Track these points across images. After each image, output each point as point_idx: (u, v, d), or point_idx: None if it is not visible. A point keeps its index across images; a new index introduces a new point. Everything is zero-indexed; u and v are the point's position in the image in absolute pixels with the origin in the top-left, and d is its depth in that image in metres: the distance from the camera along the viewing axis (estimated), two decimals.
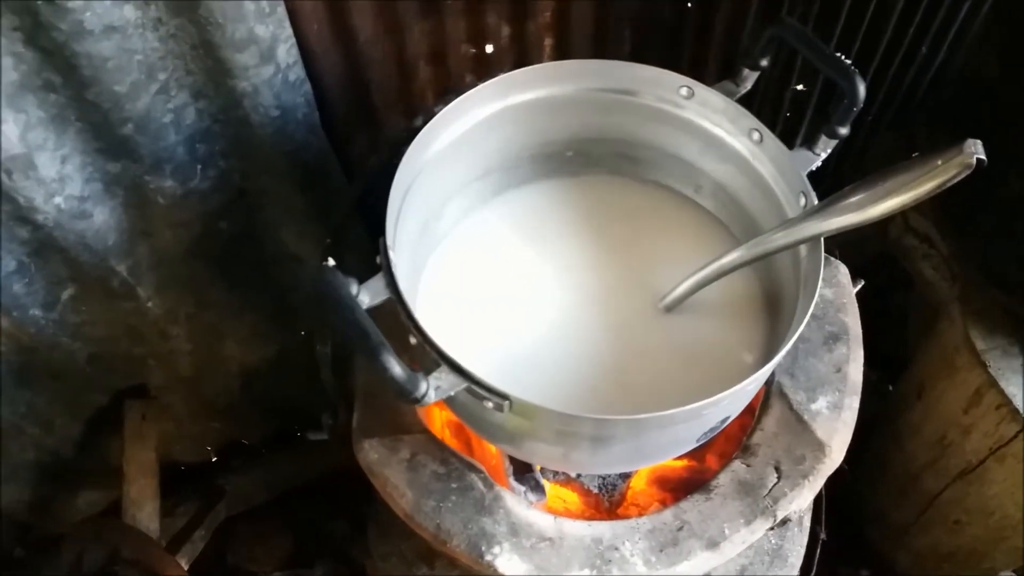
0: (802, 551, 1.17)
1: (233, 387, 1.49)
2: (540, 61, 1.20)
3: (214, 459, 1.67)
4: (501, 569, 0.78)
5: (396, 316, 0.72)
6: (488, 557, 0.79)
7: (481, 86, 0.85)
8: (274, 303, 1.36)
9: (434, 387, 0.67)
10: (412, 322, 0.71)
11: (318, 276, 0.66)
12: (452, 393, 0.68)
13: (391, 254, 0.74)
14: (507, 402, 0.68)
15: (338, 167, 1.17)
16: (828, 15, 1.27)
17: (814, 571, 1.21)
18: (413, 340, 0.72)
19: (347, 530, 1.67)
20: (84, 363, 1.27)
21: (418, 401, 0.65)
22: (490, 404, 0.69)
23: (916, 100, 1.47)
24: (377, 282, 0.73)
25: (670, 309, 0.88)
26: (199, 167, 1.07)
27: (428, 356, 0.70)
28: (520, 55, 1.18)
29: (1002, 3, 1.21)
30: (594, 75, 0.89)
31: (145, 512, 1.36)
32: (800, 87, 1.38)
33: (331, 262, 0.68)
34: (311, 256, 1.27)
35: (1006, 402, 1.15)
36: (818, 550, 1.21)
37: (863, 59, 1.34)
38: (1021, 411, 1.13)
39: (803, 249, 0.80)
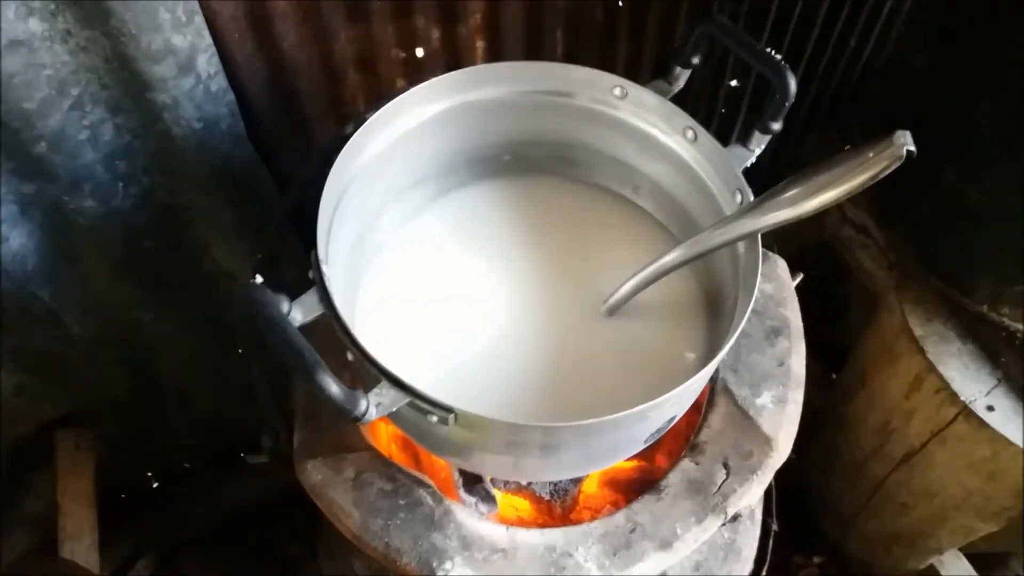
0: (755, 544, 1.17)
1: (170, 410, 1.44)
2: (473, 64, 1.18)
3: (155, 485, 1.62)
4: None
5: (333, 331, 0.70)
6: (440, 573, 0.76)
7: (412, 90, 0.83)
8: (209, 322, 1.31)
9: (375, 404, 0.65)
10: (349, 337, 0.68)
11: (247, 294, 0.63)
12: (394, 409, 0.66)
13: (324, 267, 0.71)
14: (452, 415, 0.66)
15: (268, 179, 1.13)
16: (758, 12, 1.28)
17: (767, 562, 1.22)
18: (351, 356, 0.69)
19: (298, 551, 1.62)
20: (10, 394, 1.22)
21: (359, 419, 0.63)
22: (434, 418, 0.67)
23: (848, 93, 1.49)
24: (311, 297, 0.70)
25: (612, 312, 0.86)
26: (120, 185, 1.03)
27: (368, 372, 0.68)
28: (452, 58, 1.16)
29: None
30: (527, 77, 0.87)
31: (83, 545, 1.31)
32: (734, 83, 1.39)
33: (259, 279, 0.65)
34: (244, 272, 1.23)
35: (944, 386, 1.16)
36: (771, 541, 1.22)
37: (794, 54, 1.35)
38: (959, 394, 1.15)
39: (741, 246, 0.80)
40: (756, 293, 0.72)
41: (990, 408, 1.13)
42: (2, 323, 1.10)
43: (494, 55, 1.19)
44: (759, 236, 0.75)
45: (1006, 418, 1.12)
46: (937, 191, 1.11)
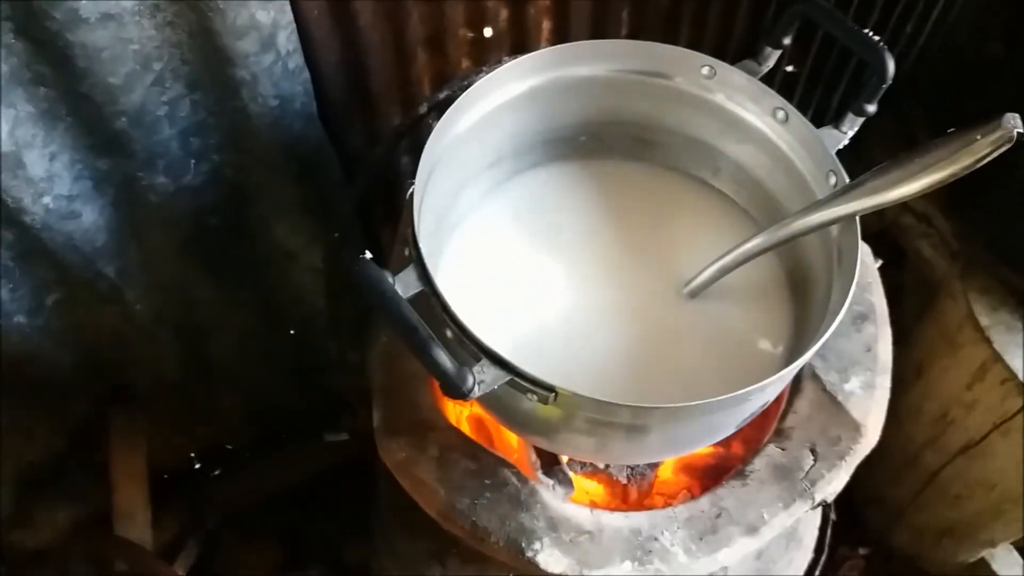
0: (816, 532, 1.17)
1: (219, 391, 1.45)
2: (538, 45, 1.18)
3: (197, 466, 1.62)
4: (543, 565, 0.76)
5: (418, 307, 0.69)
6: (529, 553, 0.76)
7: (504, 67, 0.82)
8: (262, 302, 1.31)
9: (477, 381, 0.64)
10: (449, 316, 0.68)
11: (359, 270, 0.63)
12: (495, 387, 0.66)
13: (422, 245, 0.71)
14: (552, 394, 0.66)
15: (335, 159, 1.13)
16: None
17: (825, 552, 1.21)
18: (450, 334, 0.69)
19: (338, 533, 1.63)
20: (68, 370, 1.22)
21: (465, 396, 0.63)
22: (534, 397, 0.67)
23: (904, 78, 1.48)
24: (409, 275, 0.69)
25: (694, 295, 0.86)
26: (192, 162, 1.03)
27: (467, 350, 0.67)
28: (518, 39, 1.16)
29: None
30: (616, 55, 0.86)
31: (136, 523, 1.31)
32: (789, 68, 1.38)
33: (368, 255, 0.65)
34: (303, 252, 1.23)
35: (1011, 376, 1.15)
36: (829, 531, 1.21)
37: None
38: None
39: (834, 229, 0.79)
40: (856, 279, 0.71)
41: None
42: (68, 300, 1.10)
43: (560, 37, 1.18)
44: (858, 221, 0.74)
45: None
46: (1011, 179, 1.10)
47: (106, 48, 0.83)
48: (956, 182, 1.20)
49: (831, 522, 1.21)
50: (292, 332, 1.40)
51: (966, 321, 1.20)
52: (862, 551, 1.62)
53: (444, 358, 0.60)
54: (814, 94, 1.37)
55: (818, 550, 1.19)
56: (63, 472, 1.38)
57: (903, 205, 1.32)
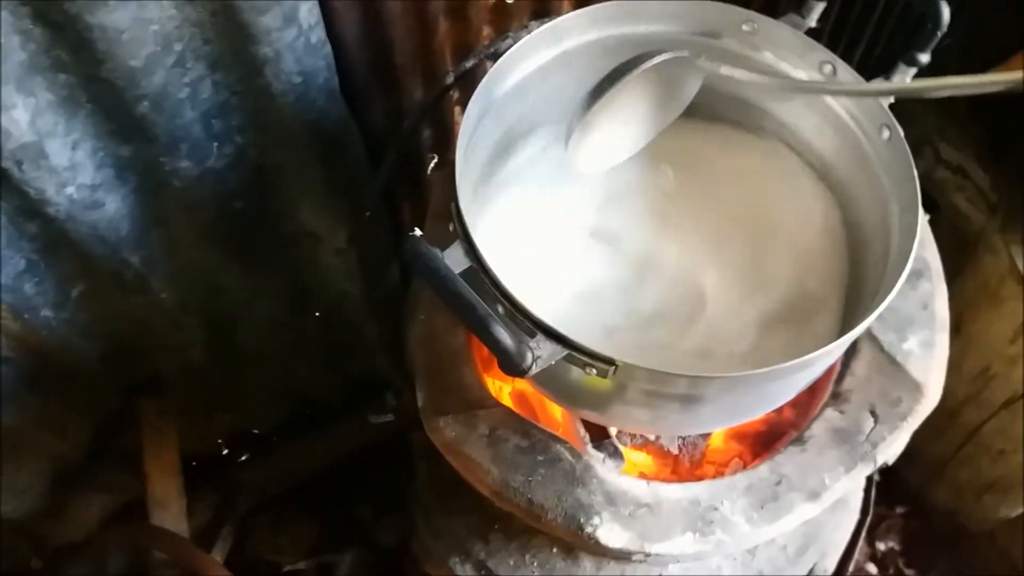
0: (861, 493, 1.15)
1: (246, 376, 1.43)
2: (560, 9, 1.15)
3: (225, 452, 1.61)
4: (603, 540, 0.75)
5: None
6: (588, 529, 0.75)
7: (546, 26, 0.79)
8: (288, 286, 1.30)
9: (535, 357, 0.62)
10: (501, 292, 0.66)
11: (410, 247, 0.61)
12: (552, 362, 0.64)
13: (466, 219, 0.68)
14: (612, 367, 0.64)
15: (358, 136, 1.11)
16: None
17: (871, 513, 1.20)
18: (502, 309, 0.67)
19: (372, 514, 1.62)
20: (96, 362, 1.20)
21: (525, 373, 0.61)
22: (592, 371, 0.65)
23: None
24: (455, 251, 0.67)
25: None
26: (215, 144, 1.01)
27: (522, 326, 0.65)
28: (539, 3, 1.13)
29: None
30: (655, 15, 0.83)
31: (172, 512, 1.30)
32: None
33: (418, 232, 0.63)
34: (328, 233, 1.21)
35: None
36: (873, 492, 1.20)
37: None
38: None
39: (887, 183, 0.76)
40: (917, 238, 0.68)
41: None
42: (94, 290, 1.08)
43: (582, 1, 1.15)
44: (916, 176, 0.71)
45: None
46: None
47: (126, 30, 0.80)
48: (994, 130, 1.18)
49: (875, 483, 1.19)
50: (318, 315, 1.38)
51: (1008, 275, 1.17)
52: (899, 510, 1.60)
53: (504, 335, 0.58)
54: (859, 44, 1.33)
55: (864, 511, 1.17)
56: (95, 464, 1.37)
57: (936, 158, 1.29)
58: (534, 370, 0.62)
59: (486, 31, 1.13)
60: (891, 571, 1.58)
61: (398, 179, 1.26)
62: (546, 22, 0.84)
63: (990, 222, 1.22)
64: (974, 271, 1.26)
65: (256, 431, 1.63)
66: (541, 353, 0.63)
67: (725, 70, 0.77)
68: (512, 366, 0.60)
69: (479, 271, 0.67)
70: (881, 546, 1.59)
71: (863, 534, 1.19)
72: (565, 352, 0.64)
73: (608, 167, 0.81)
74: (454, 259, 0.67)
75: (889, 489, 1.59)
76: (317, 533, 1.63)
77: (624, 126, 0.79)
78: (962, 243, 1.29)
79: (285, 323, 1.36)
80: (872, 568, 1.58)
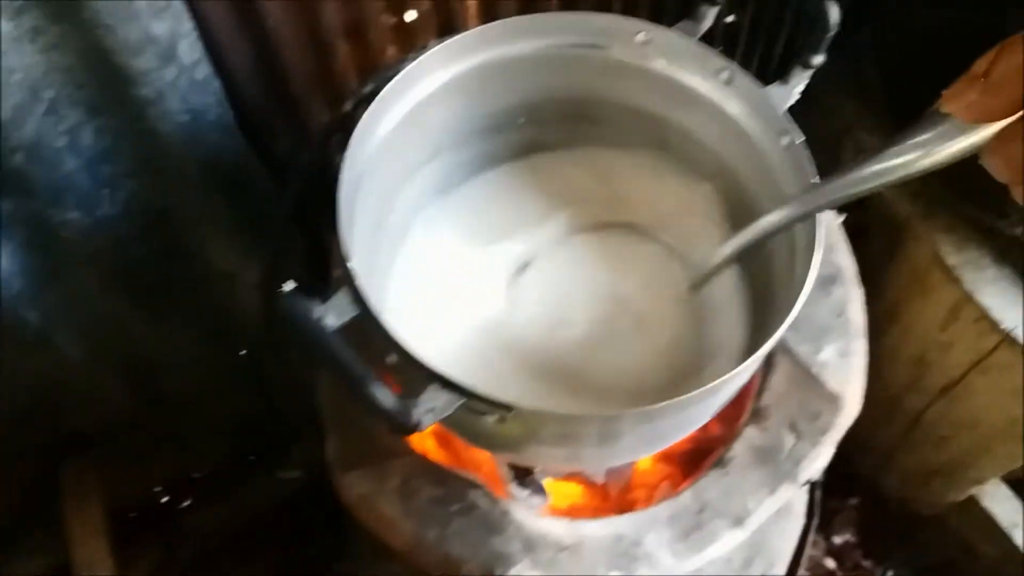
0: (806, 498, 1.14)
1: (177, 421, 1.38)
2: (466, 25, 1.11)
3: (164, 500, 1.56)
4: None
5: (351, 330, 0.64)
6: None
7: (428, 54, 0.75)
8: (207, 327, 1.25)
9: (426, 410, 0.59)
10: (391, 341, 0.62)
11: (279, 305, 0.57)
12: (448, 413, 0.60)
13: (352, 264, 0.65)
14: (510, 413, 0.61)
15: (261, 169, 1.06)
16: None
17: (817, 515, 1.18)
18: (394, 359, 0.63)
19: (326, 548, 1.58)
20: (9, 424, 1.15)
21: (413, 430, 0.57)
22: (491, 418, 0.61)
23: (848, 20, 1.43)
24: (342, 298, 0.63)
25: (698, 287, 0.80)
26: (106, 191, 0.96)
27: (415, 376, 0.61)
28: (444, 20, 1.09)
29: None
30: (544, 30, 0.79)
31: (99, 574, 1.25)
32: (730, 18, 1.32)
33: (290, 285, 0.59)
34: (242, 270, 1.17)
35: (984, 315, 1.12)
36: (818, 494, 1.18)
37: None
38: (1000, 322, 1.11)
39: (792, 192, 0.74)
40: (820, 248, 0.66)
41: None
42: None
43: (488, 15, 1.12)
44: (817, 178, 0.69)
45: None
46: None
47: None
48: (909, 115, 1.17)
49: (820, 484, 1.18)
50: (244, 352, 1.33)
51: (934, 262, 1.16)
52: (852, 501, 1.59)
53: (383, 395, 0.54)
54: (758, 42, 1.32)
55: (809, 515, 1.16)
56: (22, 529, 1.32)
57: (857, 146, 1.28)
58: (426, 424, 0.59)
59: (391, 50, 1.09)
60: (849, 564, 1.58)
61: (320, 208, 1.21)
62: (438, 44, 0.80)
63: (914, 209, 1.21)
64: (904, 260, 1.25)
65: (197, 475, 1.57)
66: (435, 404, 0.60)
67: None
68: (397, 426, 0.56)
69: (367, 319, 0.64)
70: (837, 539, 1.58)
71: (811, 537, 1.17)
72: (461, 401, 0.61)
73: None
74: (341, 307, 0.63)
75: (841, 480, 1.59)
76: (271, 573, 1.59)
77: None
78: (892, 231, 1.29)
79: (212, 364, 1.31)
80: (830, 563, 1.57)
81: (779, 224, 0.70)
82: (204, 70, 0.91)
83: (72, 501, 1.20)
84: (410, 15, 1.04)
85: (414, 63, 0.75)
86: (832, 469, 1.30)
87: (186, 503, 1.53)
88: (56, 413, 1.19)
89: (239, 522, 1.54)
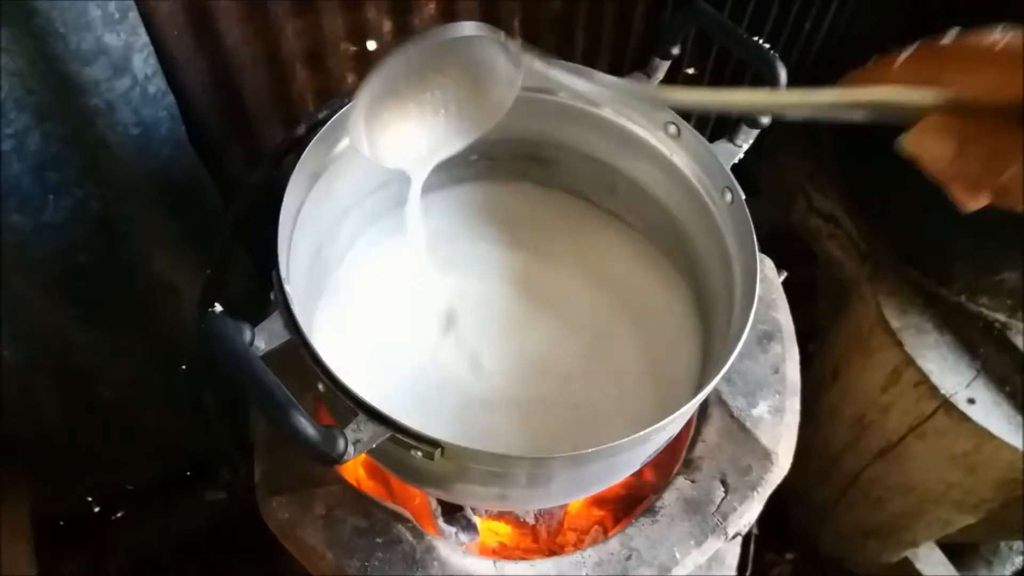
0: (738, 550, 1.13)
1: (113, 433, 1.35)
2: None
3: (96, 510, 1.52)
4: None
5: (290, 356, 0.63)
6: None
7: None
8: (149, 340, 1.23)
9: (352, 441, 0.58)
10: (321, 368, 0.61)
11: (205, 327, 0.56)
12: (374, 446, 0.60)
13: (287, 288, 0.64)
14: (438, 449, 0.60)
15: (212, 186, 1.06)
16: None
17: (749, 568, 1.18)
18: (322, 387, 0.63)
19: (256, 572, 1.54)
20: None
21: (337, 462, 0.56)
22: (419, 453, 0.61)
23: (805, 79, 1.46)
24: (274, 323, 0.63)
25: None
26: (51, 197, 0.94)
27: (343, 405, 0.61)
28: None
29: None
30: None
31: None
32: (691, 71, 1.35)
33: (218, 308, 0.58)
34: (187, 285, 1.15)
35: (924, 379, 1.14)
36: (752, 547, 1.18)
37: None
38: (939, 387, 1.13)
39: (733, 245, 0.75)
40: (755, 303, 0.67)
41: (971, 401, 1.11)
42: None
43: None
44: (755, 241, 0.70)
45: (987, 411, 1.10)
46: (915, 178, 1.07)
47: None
48: (859, 180, 1.19)
49: (754, 536, 1.18)
50: (184, 367, 1.31)
51: (877, 324, 1.18)
52: (789, 556, 1.60)
53: (307, 425, 0.53)
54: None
55: (741, 568, 1.15)
56: None
57: (808, 206, 1.30)
58: (350, 456, 0.58)
59: (351, 78, 1.09)
60: None
61: (262, 228, 1.21)
62: None
63: (861, 271, 1.23)
64: (848, 319, 1.27)
65: (131, 487, 1.54)
66: (362, 436, 0.59)
67: (541, 67, 0.66)
68: (320, 456, 0.55)
69: (299, 344, 0.63)
70: None
71: None
72: (388, 434, 0.60)
73: (415, 162, 0.75)
74: (272, 332, 0.63)
75: (778, 535, 1.59)
76: None
77: (425, 111, 0.71)
78: (839, 291, 1.31)
79: (149, 378, 1.29)
80: None
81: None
82: (158, 84, 0.90)
83: None
84: (371, 44, 1.04)
85: (346, 108, 0.75)
86: (769, 523, 1.31)
87: (117, 515, 1.50)
88: None
89: (169, 538, 1.51)
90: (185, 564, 1.53)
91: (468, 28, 0.66)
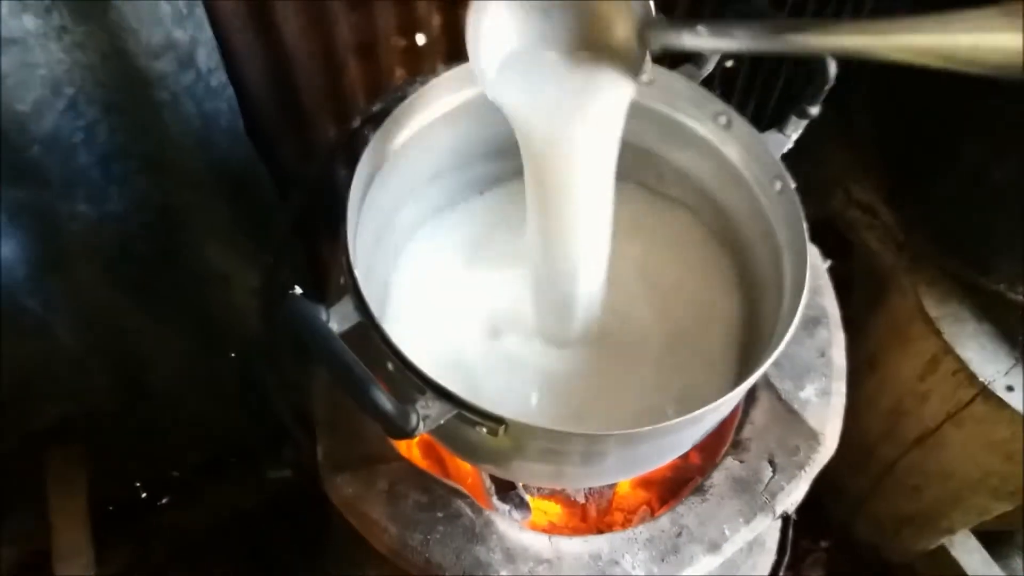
0: (777, 534, 1.15)
1: (162, 418, 1.39)
2: None
3: (143, 495, 1.56)
4: None
5: (358, 338, 0.66)
6: None
7: (439, 79, 0.78)
8: (200, 325, 1.26)
9: (422, 417, 0.61)
10: (391, 348, 0.64)
11: (289, 307, 0.59)
12: (442, 422, 0.62)
13: (357, 273, 0.67)
14: (503, 426, 0.63)
15: (266, 176, 1.09)
16: None
17: (788, 552, 1.20)
18: (391, 366, 0.65)
19: (294, 559, 1.58)
20: None
21: (410, 435, 0.59)
22: (483, 430, 0.63)
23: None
24: (345, 306, 0.66)
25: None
26: (115, 188, 0.98)
27: (411, 384, 0.64)
28: (453, 45, 1.12)
29: None
30: None
31: (79, 563, 1.25)
32: (729, 64, 1.36)
33: (297, 290, 0.61)
34: (238, 273, 1.19)
35: (962, 367, 1.15)
36: (791, 532, 1.20)
37: None
38: (978, 375, 1.14)
39: (781, 232, 0.77)
40: (807, 289, 0.69)
41: (1010, 388, 1.12)
42: None
43: None
44: (806, 228, 0.72)
45: None
46: (957, 169, 1.09)
47: (10, 74, 0.78)
48: (900, 171, 1.20)
49: (792, 521, 1.19)
50: (233, 355, 1.35)
51: (916, 314, 1.19)
52: (824, 543, 1.61)
53: (383, 399, 0.56)
54: (755, 87, 1.36)
55: (780, 551, 1.17)
56: (2, 513, 1.33)
57: (847, 198, 1.31)
58: (421, 431, 0.61)
59: (399, 72, 1.12)
60: None
61: (318, 218, 1.24)
62: (451, 69, 0.83)
63: (899, 261, 1.24)
64: (886, 309, 1.29)
65: (176, 473, 1.58)
66: (430, 412, 0.62)
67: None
68: (395, 430, 0.59)
69: (369, 326, 0.66)
70: None
71: (781, 573, 1.19)
72: (455, 411, 0.63)
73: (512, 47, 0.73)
74: (343, 314, 0.65)
75: (814, 523, 1.61)
76: None
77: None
78: (875, 282, 1.32)
79: (199, 364, 1.33)
80: None
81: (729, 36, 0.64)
82: (219, 77, 0.93)
83: (57, 489, 1.21)
84: (420, 39, 1.07)
85: (426, 86, 0.78)
86: (805, 511, 1.33)
87: (164, 500, 1.54)
88: (43, 399, 1.20)
89: (213, 524, 1.55)
90: (230, 547, 1.57)
91: None
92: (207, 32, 0.88)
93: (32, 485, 1.28)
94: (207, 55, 0.89)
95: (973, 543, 1.43)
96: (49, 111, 0.84)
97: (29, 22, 0.75)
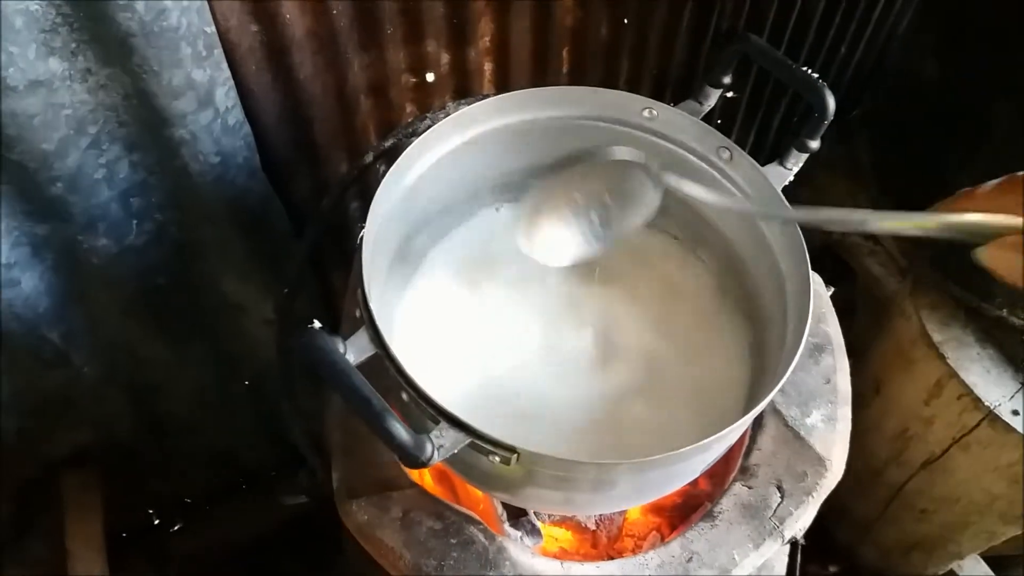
0: (786, 559, 1.16)
1: (176, 445, 1.41)
2: (481, 87, 1.18)
3: (156, 521, 1.58)
4: None
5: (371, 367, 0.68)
6: None
7: (448, 119, 0.81)
8: (215, 355, 1.29)
9: (436, 447, 0.63)
10: (405, 379, 0.66)
11: (308, 340, 0.61)
12: (455, 451, 0.64)
13: (372, 306, 0.69)
14: (515, 455, 0.65)
15: (281, 210, 1.12)
16: (755, 22, 1.29)
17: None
18: (406, 397, 0.67)
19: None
20: (14, 436, 1.18)
21: (425, 464, 0.61)
22: (496, 459, 0.65)
23: (841, 102, 1.50)
24: (361, 338, 0.68)
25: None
26: (135, 222, 1.01)
27: (425, 413, 0.66)
28: (461, 82, 1.15)
29: (932, 3, 1.24)
30: (555, 102, 0.86)
31: None
32: (730, 95, 1.39)
33: (316, 324, 0.63)
34: (254, 305, 1.21)
35: (967, 391, 1.17)
36: (799, 556, 1.21)
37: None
38: (983, 399, 1.15)
39: (783, 263, 0.79)
40: (810, 319, 0.71)
41: (1015, 412, 1.14)
42: (10, 367, 1.07)
43: (502, 77, 1.18)
44: (808, 260, 0.74)
45: None
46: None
47: (37, 115, 0.81)
48: (900, 199, 1.22)
49: (801, 546, 1.20)
50: (247, 383, 1.37)
51: (919, 338, 1.21)
52: (832, 568, 1.62)
53: (400, 430, 0.58)
54: (755, 118, 1.39)
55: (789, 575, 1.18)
56: (17, 540, 1.34)
57: None
58: (435, 460, 0.63)
59: (409, 108, 1.15)
60: None
61: (329, 249, 1.27)
62: (463, 104, 0.86)
63: (901, 287, 1.26)
64: (889, 334, 1.30)
65: (188, 499, 1.60)
66: (444, 441, 0.64)
67: (688, 188, 0.76)
68: (410, 459, 0.60)
69: (384, 357, 0.68)
70: None
71: None
72: (468, 440, 0.65)
73: (565, 262, 0.83)
74: (359, 346, 0.67)
75: (821, 548, 1.61)
76: None
77: (578, 219, 0.81)
78: (878, 307, 1.34)
79: (213, 392, 1.35)
80: None
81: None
82: (237, 116, 0.96)
83: (74, 515, 1.22)
84: (430, 76, 1.10)
85: (437, 124, 0.81)
86: (812, 537, 1.34)
87: (179, 526, 1.55)
88: (61, 427, 1.22)
89: (225, 549, 1.56)
90: (241, 571, 1.58)
91: (621, 152, 0.77)
92: (225, 72, 0.91)
93: (49, 511, 1.29)
94: (225, 94, 0.92)
95: (982, 568, 1.43)
96: (73, 149, 0.87)
97: (55, 65, 0.78)
